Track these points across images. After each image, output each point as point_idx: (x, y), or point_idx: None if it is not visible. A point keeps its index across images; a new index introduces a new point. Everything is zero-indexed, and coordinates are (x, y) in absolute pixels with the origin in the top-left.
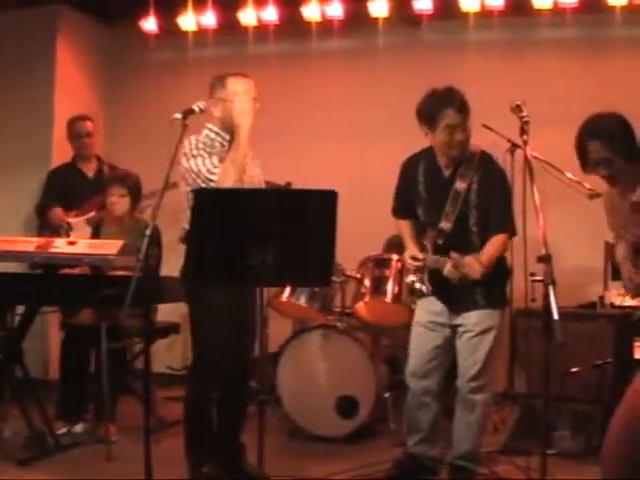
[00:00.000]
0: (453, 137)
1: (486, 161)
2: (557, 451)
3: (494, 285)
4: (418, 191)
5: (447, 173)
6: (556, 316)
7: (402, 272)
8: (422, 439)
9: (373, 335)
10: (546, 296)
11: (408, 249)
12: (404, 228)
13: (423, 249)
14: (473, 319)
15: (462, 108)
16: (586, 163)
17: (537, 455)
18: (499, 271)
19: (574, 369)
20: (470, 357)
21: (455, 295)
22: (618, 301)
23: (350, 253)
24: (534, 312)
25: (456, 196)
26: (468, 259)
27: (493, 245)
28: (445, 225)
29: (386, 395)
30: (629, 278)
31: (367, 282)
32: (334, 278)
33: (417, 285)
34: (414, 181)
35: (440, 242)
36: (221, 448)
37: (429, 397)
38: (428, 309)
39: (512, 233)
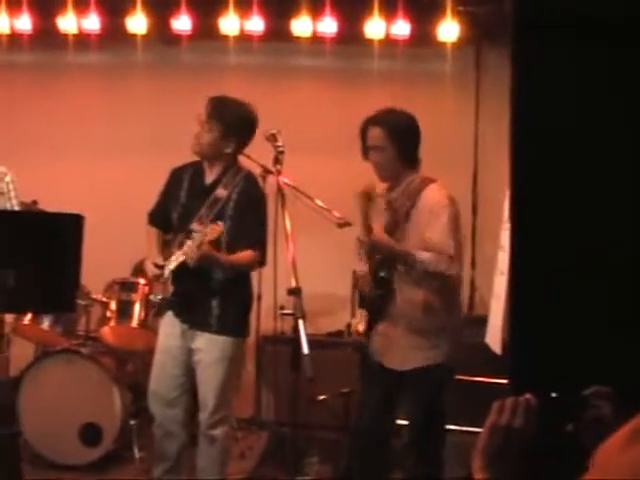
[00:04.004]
0: (197, 134)
1: (251, 179)
2: (306, 478)
3: (231, 311)
4: (179, 196)
5: (209, 181)
6: (306, 351)
7: (149, 295)
8: (169, 469)
9: (118, 360)
10: (296, 329)
11: (151, 256)
12: (152, 235)
13: (168, 257)
14: (206, 345)
15: (210, 109)
16: (364, 150)
17: None
18: (239, 297)
19: (321, 397)
20: (206, 390)
21: (192, 308)
22: (361, 328)
23: (96, 276)
24: (281, 339)
25: (214, 202)
26: (210, 225)
27: (241, 254)
28: (196, 227)
29: (132, 422)
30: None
31: (113, 306)
32: (79, 301)
33: (158, 297)
34: (178, 187)
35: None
36: None
37: (176, 426)
38: (168, 332)
39: (262, 257)
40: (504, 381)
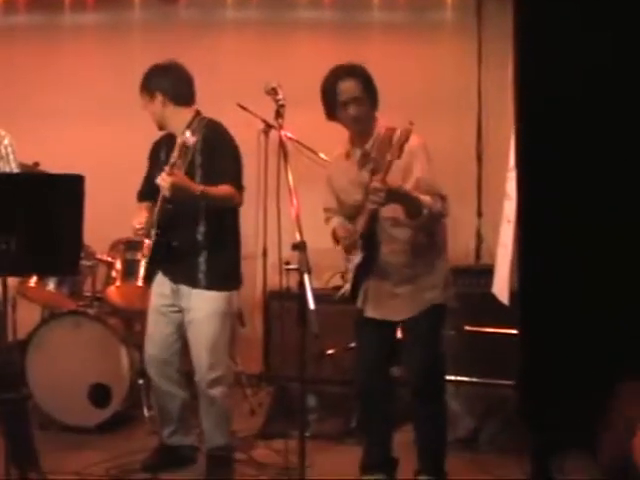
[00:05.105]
0: (158, 117)
1: (213, 122)
2: (314, 434)
3: (218, 265)
4: (160, 163)
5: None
6: (312, 306)
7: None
8: (174, 430)
9: (125, 320)
10: (301, 285)
11: (136, 217)
12: (142, 205)
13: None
14: (196, 302)
15: (157, 83)
16: (334, 107)
17: (294, 438)
18: (225, 250)
19: (329, 351)
20: (200, 348)
21: (179, 265)
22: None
23: (101, 236)
24: (288, 295)
25: (183, 148)
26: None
27: (216, 187)
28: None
29: (140, 382)
30: (348, 233)
31: (118, 265)
32: (84, 262)
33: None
34: (157, 158)
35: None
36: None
37: (173, 386)
38: (159, 292)
39: (239, 193)
40: (512, 331)
